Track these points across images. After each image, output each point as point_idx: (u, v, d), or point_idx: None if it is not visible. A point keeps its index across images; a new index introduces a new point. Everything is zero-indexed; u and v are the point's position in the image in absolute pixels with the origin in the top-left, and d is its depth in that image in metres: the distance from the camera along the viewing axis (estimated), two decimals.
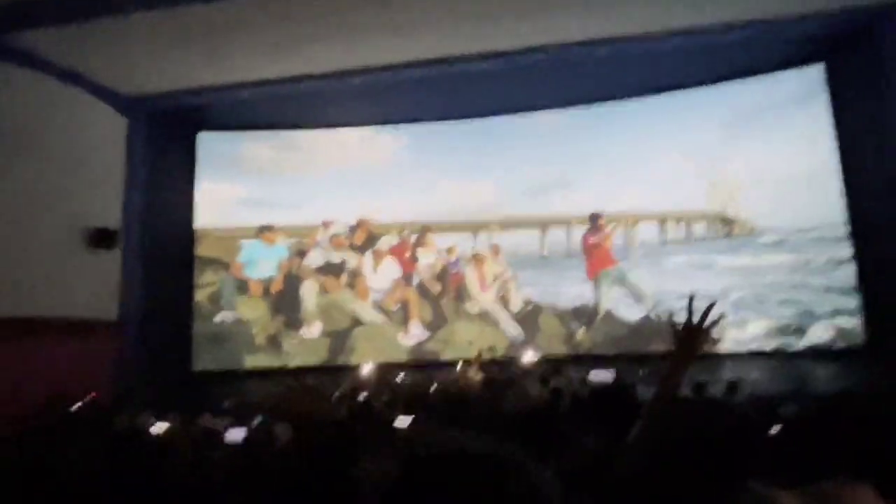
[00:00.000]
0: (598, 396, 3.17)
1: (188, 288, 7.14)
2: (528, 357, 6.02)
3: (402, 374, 5.79)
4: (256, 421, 3.05)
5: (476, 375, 5.11)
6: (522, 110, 7.27)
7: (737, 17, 5.38)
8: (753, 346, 6.16)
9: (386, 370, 6.05)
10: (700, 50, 5.86)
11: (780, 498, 1.14)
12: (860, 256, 5.83)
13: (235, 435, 2.40)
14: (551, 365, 5.41)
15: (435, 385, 4.68)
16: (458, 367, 5.72)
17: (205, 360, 7.04)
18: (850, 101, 5.83)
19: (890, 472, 1.36)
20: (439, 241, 7.37)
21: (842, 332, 5.88)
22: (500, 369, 5.57)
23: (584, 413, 2.24)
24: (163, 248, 6.69)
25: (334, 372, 6.73)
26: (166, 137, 6.82)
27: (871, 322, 5.70)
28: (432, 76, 6.13)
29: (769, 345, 6.15)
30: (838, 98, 6.02)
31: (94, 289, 5.88)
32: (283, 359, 7.08)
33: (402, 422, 2.37)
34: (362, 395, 4.47)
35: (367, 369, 6.11)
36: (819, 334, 5.99)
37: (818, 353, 5.90)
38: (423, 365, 6.57)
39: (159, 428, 2.85)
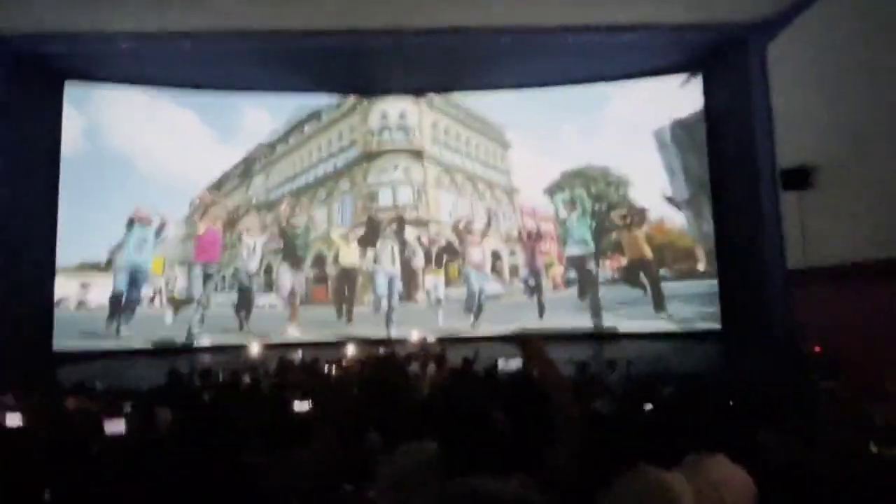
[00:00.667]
0: (496, 377, 3.30)
1: (51, 260, 6.37)
2: (416, 338, 6.09)
3: (298, 354, 5.64)
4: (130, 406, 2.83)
5: (369, 356, 5.09)
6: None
7: (620, 20, 5.63)
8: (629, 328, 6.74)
9: (276, 350, 5.85)
10: (583, 49, 6.07)
11: (667, 477, 1.25)
12: (721, 250, 6.48)
13: (116, 425, 2.19)
14: (441, 346, 5.51)
15: (328, 366, 4.60)
16: (349, 348, 5.68)
17: (67, 340, 6.38)
18: (723, 112, 6.33)
19: (740, 442, 1.57)
20: None
21: (702, 316, 6.54)
22: (390, 350, 5.60)
23: (486, 393, 2.30)
24: (23, 212, 5.85)
25: (216, 352, 6.44)
26: (29, 85, 5.96)
27: (726, 307, 6.36)
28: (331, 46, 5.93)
29: (641, 327, 6.72)
30: (712, 108, 6.54)
31: None
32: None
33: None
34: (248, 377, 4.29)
35: (256, 349, 5.85)
36: (682, 317, 6.65)
37: (681, 336, 6.51)
38: (311, 344, 6.41)
39: (17, 418, 2.52)
